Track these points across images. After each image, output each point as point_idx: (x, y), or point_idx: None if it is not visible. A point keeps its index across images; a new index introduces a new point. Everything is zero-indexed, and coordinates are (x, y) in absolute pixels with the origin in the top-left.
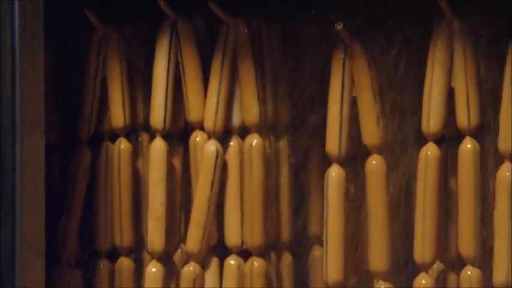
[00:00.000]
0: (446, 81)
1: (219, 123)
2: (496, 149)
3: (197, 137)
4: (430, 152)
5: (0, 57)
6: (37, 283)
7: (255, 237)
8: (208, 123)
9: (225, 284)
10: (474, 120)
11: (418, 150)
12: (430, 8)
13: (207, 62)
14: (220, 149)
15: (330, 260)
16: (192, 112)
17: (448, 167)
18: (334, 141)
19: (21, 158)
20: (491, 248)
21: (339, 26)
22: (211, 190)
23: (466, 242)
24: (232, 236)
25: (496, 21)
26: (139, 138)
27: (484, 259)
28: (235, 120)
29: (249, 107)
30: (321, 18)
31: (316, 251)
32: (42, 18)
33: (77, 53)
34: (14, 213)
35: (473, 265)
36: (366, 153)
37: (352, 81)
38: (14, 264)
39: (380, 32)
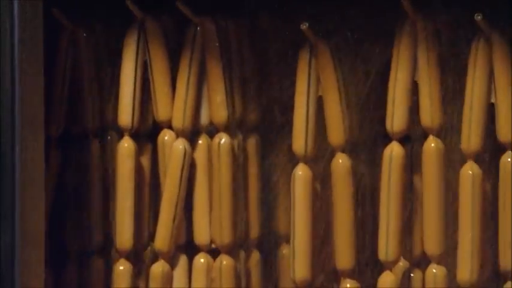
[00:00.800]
0: (410, 80)
1: (187, 122)
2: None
3: (165, 135)
4: (394, 151)
5: (0, 57)
6: (37, 283)
7: (224, 236)
8: (177, 122)
9: (194, 282)
10: (437, 119)
11: (383, 149)
12: (394, 8)
13: (175, 61)
14: (189, 148)
15: (297, 259)
16: (160, 111)
17: (413, 166)
18: (300, 141)
19: (21, 157)
20: (456, 246)
21: (304, 26)
22: (179, 188)
23: (431, 240)
24: (201, 235)
25: (459, 20)
26: (108, 137)
27: (450, 257)
28: (204, 119)
29: (217, 106)
30: (289, 17)
31: (284, 250)
32: (41, 19)
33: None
34: (14, 213)
35: (438, 263)
36: (332, 151)
37: (318, 80)
38: (14, 264)
39: (346, 31)
